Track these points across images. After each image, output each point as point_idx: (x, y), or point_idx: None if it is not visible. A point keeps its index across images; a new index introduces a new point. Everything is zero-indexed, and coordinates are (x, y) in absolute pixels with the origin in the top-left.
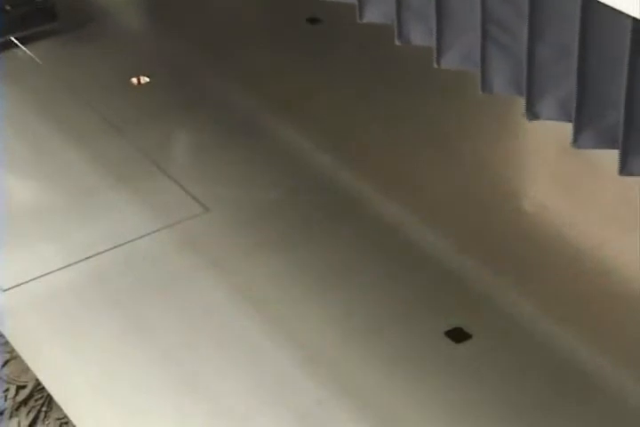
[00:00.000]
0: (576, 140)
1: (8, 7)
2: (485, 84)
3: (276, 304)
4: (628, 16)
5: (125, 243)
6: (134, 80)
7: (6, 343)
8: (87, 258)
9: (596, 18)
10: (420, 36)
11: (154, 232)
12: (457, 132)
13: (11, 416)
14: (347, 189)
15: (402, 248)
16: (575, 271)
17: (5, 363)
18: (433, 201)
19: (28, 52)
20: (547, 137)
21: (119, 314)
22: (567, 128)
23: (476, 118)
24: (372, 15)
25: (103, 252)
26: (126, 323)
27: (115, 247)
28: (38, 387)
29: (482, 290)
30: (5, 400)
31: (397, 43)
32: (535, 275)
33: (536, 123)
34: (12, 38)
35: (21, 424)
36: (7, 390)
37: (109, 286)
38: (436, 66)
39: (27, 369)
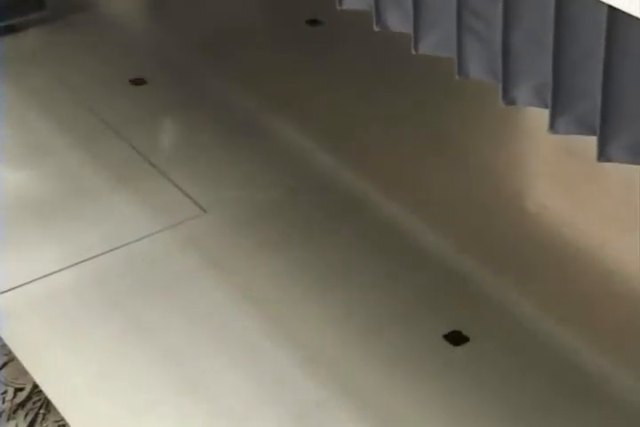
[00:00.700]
0: (552, 126)
1: None
2: (462, 70)
3: (277, 304)
4: (603, 3)
5: (125, 244)
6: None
7: (4, 346)
8: (86, 260)
9: (572, 4)
10: (398, 22)
11: (154, 233)
12: (458, 132)
13: (8, 419)
14: (347, 189)
15: (402, 248)
16: (576, 271)
17: (3, 365)
18: (433, 201)
19: (16, 40)
20: (548, 138)
21: (118, 315)
22: None
23: (478, 119)
24: (351, 2)
25: (102, 253)
26: (126, 324)
27: (114, 249)
28: (36, 389)
29: (482, 290)
30: (3, 403)
31: (376, 29)
32: (536, 275)
33: (538, 124)
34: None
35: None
36: (5, 392)
37: (109, 288)
38: (413, 52)
39: (24, 372)
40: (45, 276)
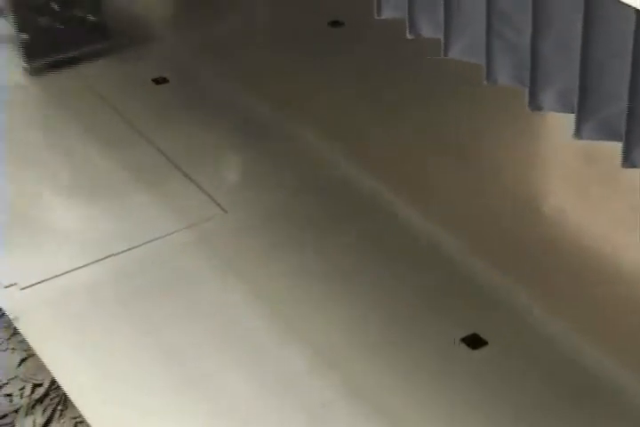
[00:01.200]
0: (578, 132)
1: (59, 25)
2: (490, 76)
3: (288, 305)
4: (631, 7)
5: (143, 244)
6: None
7: (23, 341)
8: (104, 258)
9: (600, 10)
10: (430, 28)
11: (172, 233)
12: (473, 133)
13: (26, 414)
14: (359, 190)
15: (414, 250)
16: (589, 275)
17: (22, 361)
18: (446, 203)
19: (78, 71)
20: (564, 140)
21: (135, 313)
22: None
23: (492, 121)
24: (389, 11)
25: (121, 252)
26: (143, 323)
27: (132, 248)
28: (54, 386)
29: (494, 293)
30: (21, 398)
31: (409, 36)
32: (549, 278)
33: (552, 125)
34: (62, 58)
35: (36, 423)
36: (23, 388)
37: (126, 286)
38: (443, 57)
39: (43, 367)
40: (64, 273)
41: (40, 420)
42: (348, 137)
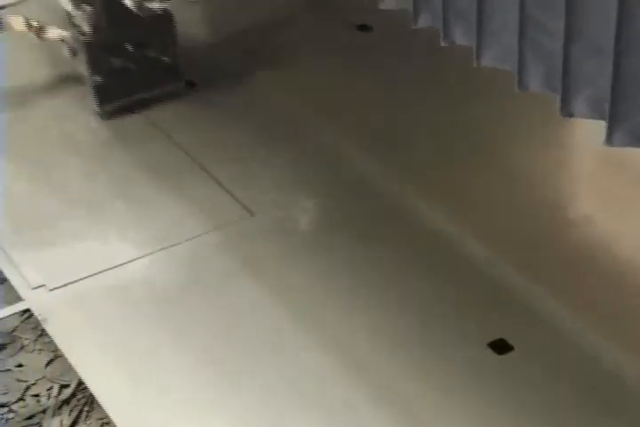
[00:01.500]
0: (609, 139)
1: (132, 67)
2: (521, 83)
3: (317, 308)
4: None
5: (171, 246)
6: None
7: (51, 342)
8: (133, 260)
9: (634, 16)
10: (463, 36)
11: (200, 235)
12: (501, 141)
13: (53, 415)
14: (389, 196)
15: (443, 256)
16: (620, 282)
17: (49, 362)
18: (475, 210)
19: (149, 114)
20: (593, 147)
21: (163, 315)
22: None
23: (520, 126)
24: (425, 21)
25: (150, 254)
26: (170, 324)
27: (160, 250)
28: (81, 386)
29: (522, 299)
30: (48, 399)
31: (443, 44)
32: (578, 285)
33: (580, 130)
34: (134, 100)
35: (63, 423)
36: (50, 388)
37: (155, 287)
38: (475, 65)
39: (70, 368)
40: (93, 275)
41: (67, 421)
42: (378, 142)
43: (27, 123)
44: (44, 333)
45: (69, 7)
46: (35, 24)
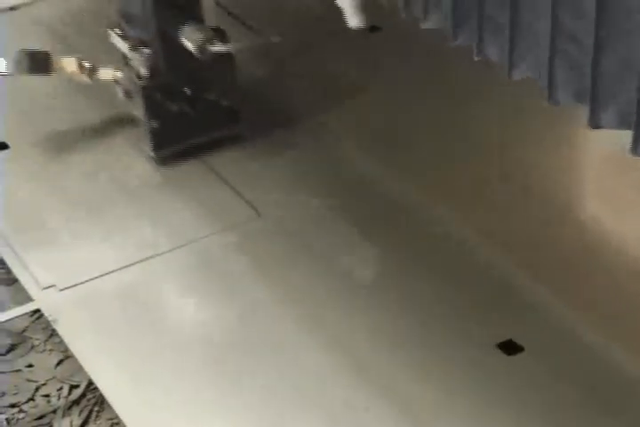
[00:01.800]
0: (635, 149)
1: (190, 110)
2: (552, 96)
3: (320, 308)
4: None
5: (180, 246)
6: None
7: (61, 343)
8: (142, 260)
9: None
10: (497, 50)
11: (208, 236)
12: (501, 140)
13: (64, 415)
14: (395, 196)
15: (450, 256)
16: (629, 284)
17: (59, 362)
18: (484, 210)
19: (206, 160)
20: (594, 147)
21: (169, 315)
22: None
23: (521, 127)
24: (463, 40)
25: (158, 255)
26: (175, 324)
27: (170, 250)
28: (91, 387)
29: (532, 299)
30: (58, 399)
31: (476, 58)
32: (588, 285)
33: (583, 133)
34: (191, 145)
35: (73, 424)
36: (60, 389)
37: (165, 288)
38: (508, 78)
39: (80, 369)
40: (103, 275)
41: (77, 421)
42: (384, 142)
43: (78, 167)
44: (54, 333)
45: (126, 49)
46: (87, 65)
